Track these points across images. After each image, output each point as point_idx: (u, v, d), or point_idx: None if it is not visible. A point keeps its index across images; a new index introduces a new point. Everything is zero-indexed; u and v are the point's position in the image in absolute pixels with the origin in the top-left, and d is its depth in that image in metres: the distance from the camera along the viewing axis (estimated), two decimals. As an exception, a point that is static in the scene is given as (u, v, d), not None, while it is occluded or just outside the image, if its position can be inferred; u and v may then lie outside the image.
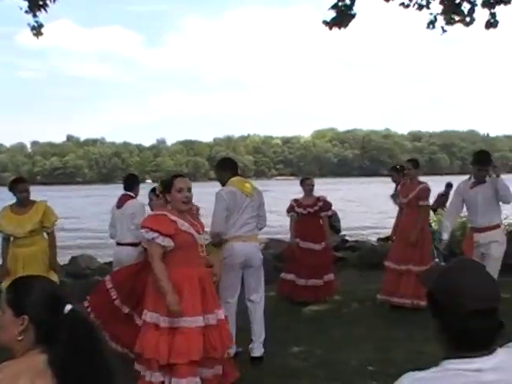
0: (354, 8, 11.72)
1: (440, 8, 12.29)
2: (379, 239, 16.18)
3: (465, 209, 8.12)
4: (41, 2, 11.65)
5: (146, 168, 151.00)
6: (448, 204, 8.22)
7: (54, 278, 6.88)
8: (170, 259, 5.26)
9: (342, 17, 11.72)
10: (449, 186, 16.54)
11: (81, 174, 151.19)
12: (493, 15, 12.03)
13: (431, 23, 12.53)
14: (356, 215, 32.54)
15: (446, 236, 7.89)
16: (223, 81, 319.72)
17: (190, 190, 5.43)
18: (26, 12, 11.69)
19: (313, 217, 9.73)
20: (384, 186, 30.45)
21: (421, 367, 2.03)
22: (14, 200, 7.41)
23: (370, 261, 12.57)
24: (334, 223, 12.39)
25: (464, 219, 15.65)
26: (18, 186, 7.32)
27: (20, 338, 2.30)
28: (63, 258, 14.55)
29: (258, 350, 6.75)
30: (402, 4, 12.17)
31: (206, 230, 5.87)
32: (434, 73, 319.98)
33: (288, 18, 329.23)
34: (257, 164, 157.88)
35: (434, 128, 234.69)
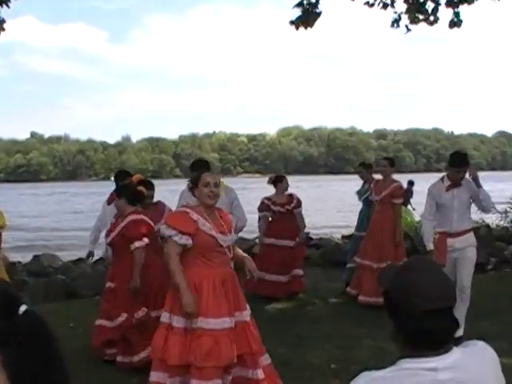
0: (320, 6, 11.72)
1: (404, 7, 12.35)
2: (343, 237, 16.23)
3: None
4: (2, -3, 11.46)
5: (111, 165, 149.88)
6: (423, 211, 7.67)
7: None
8: (189, 258, 5.11)
9: (308, 16, 11.70)
10: (410, 183, 16.64)
11: (45, 172, 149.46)
12: (456, 14, 12.11)
13: (395, 22, 12.58)
14: (320, 213, 32.65)
15: (431, 246, 7.37)
16: (188, 78, 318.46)
17: (216, 184, 5.22)
18: (-13, 7, 11.50)
19: (289, 214, 9.75)
20: (349, 184, 30.58)
21: (384, 365, 2.03)
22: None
23: (334, 258, 12.61)
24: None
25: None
26: None
27: None
28: (26, 258, 14.44)
29: None
30: (367, 3, 12.21)
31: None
32: (399, 71, 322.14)
33: (253, 15, 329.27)
34: (222, 162, 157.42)
35: (398, 126, 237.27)
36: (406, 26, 12.46)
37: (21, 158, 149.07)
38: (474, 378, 1.96)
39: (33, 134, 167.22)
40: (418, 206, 11.23)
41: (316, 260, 12.33)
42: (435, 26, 12.38)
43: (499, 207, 15.11)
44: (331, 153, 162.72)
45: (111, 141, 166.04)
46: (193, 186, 5.31)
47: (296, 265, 9.84)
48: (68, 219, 35.24)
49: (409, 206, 17.73)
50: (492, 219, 14.95)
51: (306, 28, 11.75)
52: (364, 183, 10.18)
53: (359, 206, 10.31)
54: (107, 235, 6.86)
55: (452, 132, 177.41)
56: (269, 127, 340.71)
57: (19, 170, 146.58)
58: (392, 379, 1.94)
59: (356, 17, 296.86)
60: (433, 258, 6.89)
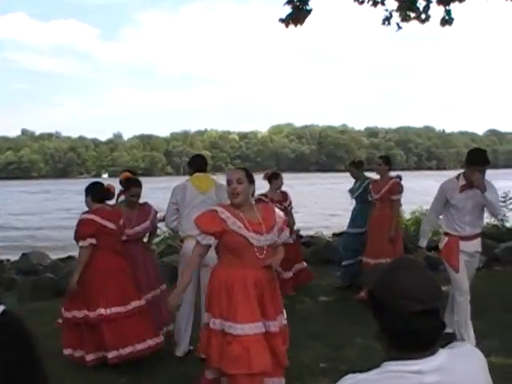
0: (310, 4, 11.69)
1: (395, 5, 12.34)
2: (334, 234, 16.18)
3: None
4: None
5: (103, 163, 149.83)
6: (430, 207, 7.23)
7: None
8: (223, 258, 5.06)
9: (298, 13, 11.65)
10: (398, 178, 16.57)
11: (36, 169, 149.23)
12: (448, 12, 12.12)
13: (386, 20, 12.57)
14: (311, 210, 32.63)
15: (424, 243, 7.26)
16: (180, 75, 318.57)
17: (239, 181, 4.94)
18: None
19: (283, 212, 9.74)
20: (341, 181, 30.55)
21: (373, 364, 2.00)
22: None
23: (325, 256, 12.58)
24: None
25: (417, 213, 15.81)
26: None
27: None
28: (15, 256, 14.36)
29: None
30: (357, 0, 12.18)
31: None
32: (391, 69, 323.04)
33: (245, 13, 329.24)
34: (214, 159, 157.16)
35: (390, 124, 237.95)
36: (397, 24, 12.47)
37: (12, 155, 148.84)
38: (460, 381, 1.92)
39: (24, 131, 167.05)
40: (406, 204, 11.18)
41: (307, 258, 12.24)
42: (427, 23, 12.38)
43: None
44: (323, 150, 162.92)
45: (102, 138, 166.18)
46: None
47: (298, 259, 9.99)
48: (57, 217, 35.11)
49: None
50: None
51: (295, 25, 11.71)
52: (356, 181, 10.18)
53: (352, 204, 10.29)
54: None
55: (443, 130, 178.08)
56: (260, 125, 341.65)
57: (10, 167, 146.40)
58: (376, 382, 1.90)
59: (348, 15, 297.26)
60: (444, 261, 6.87)
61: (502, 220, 14.34)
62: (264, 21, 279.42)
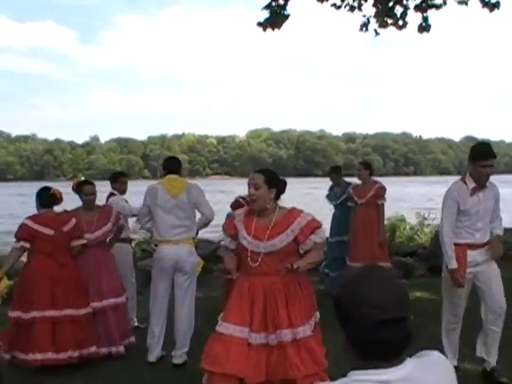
0: (288, 9, 11.70)
1: (373, 11, 12.37)
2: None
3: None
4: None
5: (79, 165, 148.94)
6: (442, 222, 5.99)
7: None
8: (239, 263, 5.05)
9: (276, 17, 11.67)
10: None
11: (12, 171, 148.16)
12: (425, 19, 12.16)
13: (364, 26, 12.59)
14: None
15: (455, 265, 5.92)
16: (158, 79, 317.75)
17: (257, 187, 4.81)
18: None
19: None
20: (318, 186, 30.56)
21: (345, 372, 1.96)
22: None
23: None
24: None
25: (393, 219, 15.83)
26: None
27: None
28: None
29: (179, 359, 6.67)
30: (334, 5, 12.21)
31: None
32: (369, 75, 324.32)
33: (224, 17, 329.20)
34: (191, 163, 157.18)
35: (367, 130, 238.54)
36: (375, 30, 12.47)
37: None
38: None
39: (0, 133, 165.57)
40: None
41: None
42: (404, 30, 12.42)
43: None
44: (300, 155, 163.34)
45: (79, 141, 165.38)
46: None
47: None
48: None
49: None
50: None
51: (273, 29, 11.70)
52: (333, 187, 10.20)
53: (331, 210, 10.28)
54: None
55: (420, 136, 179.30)
56: (238, 129, 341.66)
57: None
58: None
59: (326, 21, 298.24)
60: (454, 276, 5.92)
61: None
62: (242, 26, 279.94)
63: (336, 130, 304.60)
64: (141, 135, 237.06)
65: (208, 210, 6.78)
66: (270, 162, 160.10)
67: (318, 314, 5.03)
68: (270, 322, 4.72)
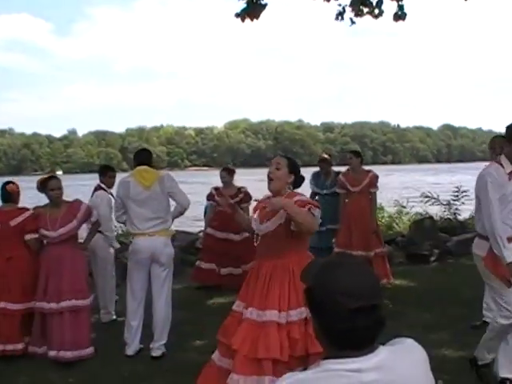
0: (265, -2, 11.66)
1: (348, 0, 12.37)
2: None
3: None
4: None
5: (57, 159, 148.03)
6: (490, 209, 4.99)
7: None
8: None
9: (253, 7, 11.63)
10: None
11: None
12: (401, 7, 12.20)
13: (340, 15, 12.61)
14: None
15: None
16: (135, 71, 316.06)
17: (278, 167, 4.91)
18: None
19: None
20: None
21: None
22: None
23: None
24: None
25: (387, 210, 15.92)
26: None
27: None
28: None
29: (157, 351, 6.64)
30: (310, -6, 12.20)
31: None
32: (346, 64, 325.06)
33: (201, 7, 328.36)
34: (170, 155, 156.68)
35: (346, 119, 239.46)
36: (351, 19, 12.51)
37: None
38: (400, 379, 1.89)
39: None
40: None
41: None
42: (382, 19, 12.44)
43: (444, 199, 15.28)
44: (279, 146, 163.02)
45: (57, 134, 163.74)
46: None
47: (247, 259, 9.75)
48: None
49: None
50: (436, 211, 15.11)
51: (251, 20, 11.68)
52: (317, 174, 10.19)
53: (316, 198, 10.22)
54: None
55: (398, 125, 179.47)
56: (216, 120, 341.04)
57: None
58: (316, 380, 1.86)
59: (303, 10, 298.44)
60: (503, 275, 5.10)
61: (454, 214, 14.49)
62: (220, 15, 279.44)
63: (314, 119, 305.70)
64: (119, 128, 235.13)
65: (182, 198, 6.76)
66: (249, 153, 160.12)
67: None
68: (265, 300, 4.75)
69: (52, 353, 6.49)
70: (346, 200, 9.63)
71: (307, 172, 10.33)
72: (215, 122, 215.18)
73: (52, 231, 6.65)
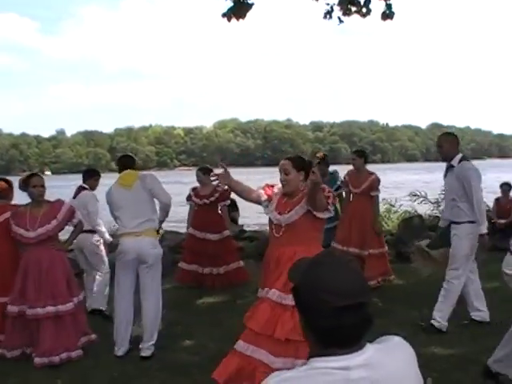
0: (252, -3, 11.63)
1: (337, -1, 12.36)
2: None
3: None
4: None
5: (45, 160, 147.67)
6: None
7: None
8: None
9: (239, 7, 11.60)
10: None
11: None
12: (389, 6, 12.18)
13: (328, 14, 12.57)
14: (256, 205, 32.58)
15: None
16: (123, 71, 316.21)
17: (286, 172, 5.31)
18: None
19: (209, 207, 9.72)
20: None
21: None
22: None
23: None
24: (232, 213, 12.28)
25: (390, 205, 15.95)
26: None
27: None
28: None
29: (147, 351, 6.62)
30: (298, -7, 12.19)
31: None
32: (335, 64, 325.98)
33: (189, 6, 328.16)
34: (159, 155, 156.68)
35: (334, 118, 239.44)
36: (339, 18, 12.47)
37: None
38: (388, 376, 1.89)
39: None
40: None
41: (249, 253, 12.22)
42: (371, 18, 12.44)
43: (433, 197, 15.33)
44: (268, 145, 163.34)
45: (45, 135, 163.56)
46: None
47: (227, 259, 9.88)
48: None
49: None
50: (424, 209, 15.15)
51: (238, 19, 11.62)
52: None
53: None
54: None
55: (387, 124, 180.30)
56: (205, 120, 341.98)
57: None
58: (303, 379, 1.85)
59: (291, 9, 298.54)
60: None
61: (443, 212, 14.53)
62: (209, 15, 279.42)
63: (303, 118, 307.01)
64: (107, 128, 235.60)
65: (164, 196, 6.76)
66: (238, 152, 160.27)
67: None
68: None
69: (38, 360, 6.35)
70: (351, 199, 9.78)
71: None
72: (204, 122, 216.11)
73: (31, 231, 6.49)
